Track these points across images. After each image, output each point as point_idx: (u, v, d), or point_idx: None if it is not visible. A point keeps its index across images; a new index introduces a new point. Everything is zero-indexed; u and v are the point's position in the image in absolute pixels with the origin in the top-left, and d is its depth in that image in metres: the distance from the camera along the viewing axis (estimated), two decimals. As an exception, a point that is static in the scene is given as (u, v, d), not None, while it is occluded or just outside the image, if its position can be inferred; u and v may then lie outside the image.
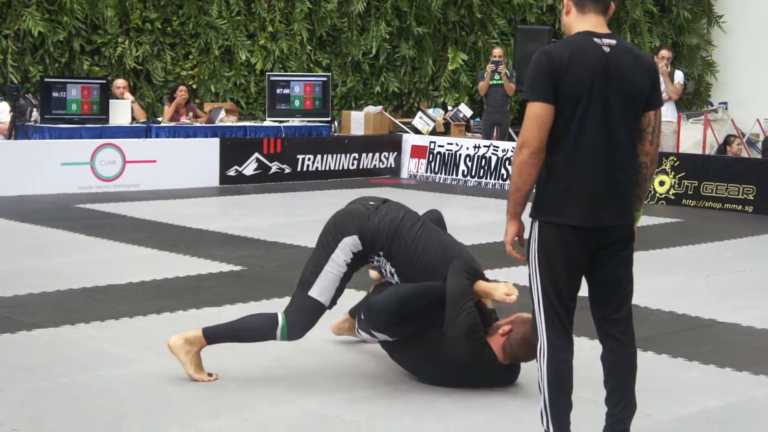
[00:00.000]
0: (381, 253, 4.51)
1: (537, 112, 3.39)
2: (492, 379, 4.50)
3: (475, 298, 4.45)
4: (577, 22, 3.50)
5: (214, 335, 4.52)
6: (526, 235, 3.55)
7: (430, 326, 4.44)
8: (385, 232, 4.48)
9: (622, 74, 3.44)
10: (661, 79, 11.73)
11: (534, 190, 3.52)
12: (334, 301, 4.53)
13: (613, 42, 3.47)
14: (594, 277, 3.54)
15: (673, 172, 11.56)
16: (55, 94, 11.60)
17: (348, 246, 4.48)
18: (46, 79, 11.81)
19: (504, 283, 4.47)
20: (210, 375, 4.52)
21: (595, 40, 3.44)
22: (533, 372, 4.67)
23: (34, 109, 11.93)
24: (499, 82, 13.32)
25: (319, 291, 4.46)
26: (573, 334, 3.53)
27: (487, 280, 4.53)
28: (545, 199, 3.47)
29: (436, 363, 4.46)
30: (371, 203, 4.63)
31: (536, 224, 3.51)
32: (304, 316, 4.48)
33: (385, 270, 4.58)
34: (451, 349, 4.38)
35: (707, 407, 4.35)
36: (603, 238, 3.47)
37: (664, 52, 12.13)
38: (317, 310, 4.49)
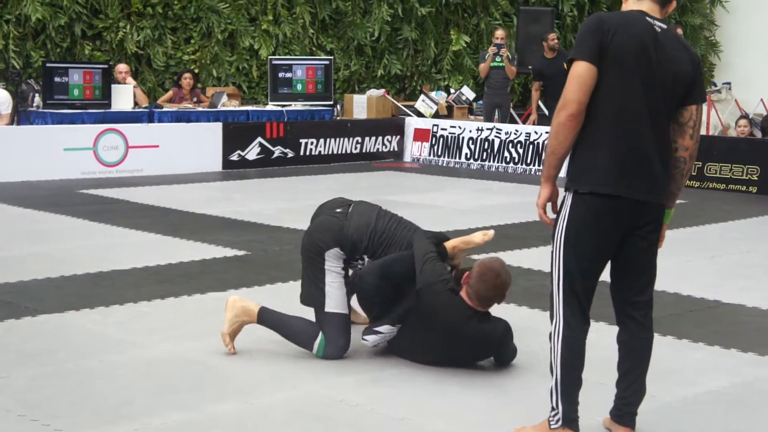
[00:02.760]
0: (365, 256, 4.65)
1: (579, 72, 3.37)
2: (462, 336, 4.44)
3: (445, 258, 4.58)
4: (634, 5, 3.51)
5: (265, 319, 4.67)
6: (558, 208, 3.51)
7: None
8: (365, 236, 4.63)
9: (668, 55, 3.43)
10: None
11: (571, 157, 3.48)
12: (348, 303, 4.68)
13: (664, 26, 3.48)
14: (622, 259, 3.51)
15: (676, 154, 11.51)
16: (57, 79, 11.56)
17: (333, 257, 4.62)
18: (48, 65, 11.77)
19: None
20: (233, 349, 4.65)
21: (648, 19, 3.45)
22: (533, 355, 4.67)
23: (36, 95, 11.91)
24: (501, 64, 13.28)
25: (334, 304, 4.60)
26: (586, 317, 3.49)
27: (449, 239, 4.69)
28: (579, 166, 3.44)
29: (426, 326, 4.45)
30: (338, 210, 4.73)
31: (569, 198, 3.46)
32: (335, 329, 4.61)
33: None
34: (425, 298, 4.41)
35: (713, 388, 4.34)
36: (637, 215, 3.44)
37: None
38: (341, 319, 4.62)
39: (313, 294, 4.64)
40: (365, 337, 4.60)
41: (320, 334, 4.62)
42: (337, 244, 4.61)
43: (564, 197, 3.49)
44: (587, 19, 3.49)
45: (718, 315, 5.66)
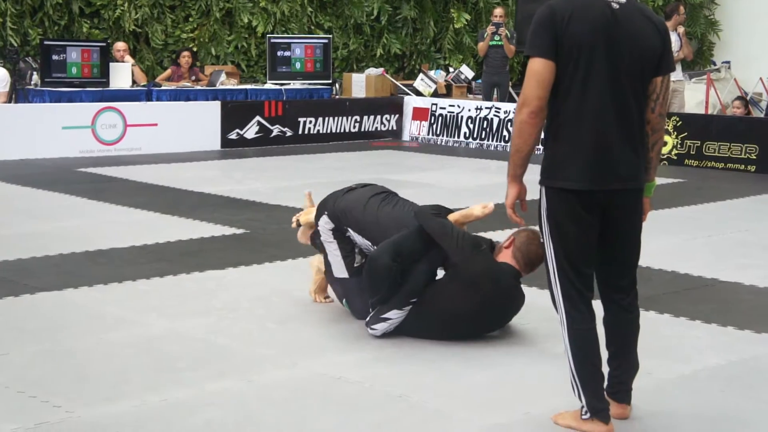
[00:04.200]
0: (349, 229, 4.79)
1: (536, 69, 3.30)
2: (509, 301, 4.58)
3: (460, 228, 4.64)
4: None
5: None
6: (531, 200, 3.50)
7: (426, 278, 4.55)
8: (349, 208, 4.80)
9: (630, 32, 3.32)
10: (679, 39, 11.66)
11: (543, 153, 3.44)
12: (353, 270, 4.82)
13: (623, 0, 3.35)
14: (601, 242, 3.47)
15: (675, 132, 11.52)
16: (55, 57, 11.54)
17: (323, 227, 4.91)
18: (46, 42, 11.74)
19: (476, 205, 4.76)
20: (326, 298, 5.13)
21: None
22: (533, 331, 4.69)
23: (34, 73, 11.88)
24: (499, 43, 13.24)
25: (336, 270, 4.89)
26: (589, 304, 3.47)
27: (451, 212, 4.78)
28: (551, 162, 3.39)
29: (462, 296, 4.47)
30: (353, 185, 5.00)
31: (543, 192, 3.43)
32: (348, 294, 4.87)
33: (361, 246, 4.80)
34: (469, 269, 4.46)
35: (709, 365, 4.36)
36: (612, 203, 3.40)
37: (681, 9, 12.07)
38: (346, 283, 4.84)
39: (327, 268, 4.98)
40: (373, 326, 4.58)
41: (344, 297, 4.90)
42: (326, 210, 4.89)
43: (540, 191, 3.46)
44: (539, 10, 3.36)
45: (715, 293, 5.68)
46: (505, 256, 4.51)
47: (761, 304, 5.48)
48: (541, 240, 4.33)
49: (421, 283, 4.53)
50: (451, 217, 4.68)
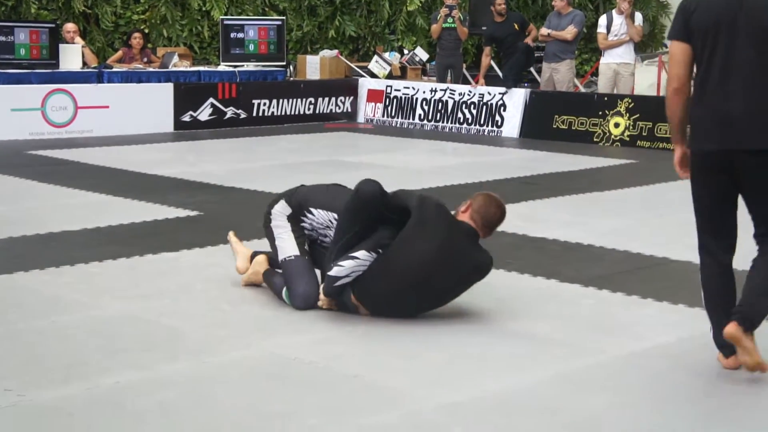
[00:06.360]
0: (311, 210, 4.81)
1: (673, 51, 3.93)
2: (479, 266, 4.57)
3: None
4: None
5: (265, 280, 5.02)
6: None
7: (392, 236, 4.55)
8: (312, 192, 4.91)
9: (756, 10, 3.75)
10: (623, 20, 11.82)
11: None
12: (303, 251, 4.79)
13: None
14: (742, 194, 3.91)
15: (627, 114, 11.62)
16: (2, 38, 11.34)
17: (278, 210, 4.90)
18: (-8, 24, 11.54)
19: None
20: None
21: None
22: (487, 311, 4.72)
23: (-19, 55, 11.67)
24: (452, 26, 13.24)
25: (284, 251, 4.80)
26: (719, 252, 3.96)
27: None
28: (690, 126, 3.91)
29: (420, 240, 4.47)
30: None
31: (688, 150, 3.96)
32: (291, 276, 4.75)
33: (321, 224, 4.82)
34: (427, 214, 4.50)
35: (660, 342, 4.42)
36: (734, 160, 3.80)
37: None
38: (294, 263, 4.76)
39: (274, 255, 4.90)
40: (340, 263, 4.48)
41: (284, 287, 4.78)
42: (283, 198, 4.92)
43: None
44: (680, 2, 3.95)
45: (666, 272, 5.75)
46: (463, 218, 4.58)
47: (711, 282, 5.55)
48: (500, 202, 4.65)
49: (387, 236, 4.53)
50: None
